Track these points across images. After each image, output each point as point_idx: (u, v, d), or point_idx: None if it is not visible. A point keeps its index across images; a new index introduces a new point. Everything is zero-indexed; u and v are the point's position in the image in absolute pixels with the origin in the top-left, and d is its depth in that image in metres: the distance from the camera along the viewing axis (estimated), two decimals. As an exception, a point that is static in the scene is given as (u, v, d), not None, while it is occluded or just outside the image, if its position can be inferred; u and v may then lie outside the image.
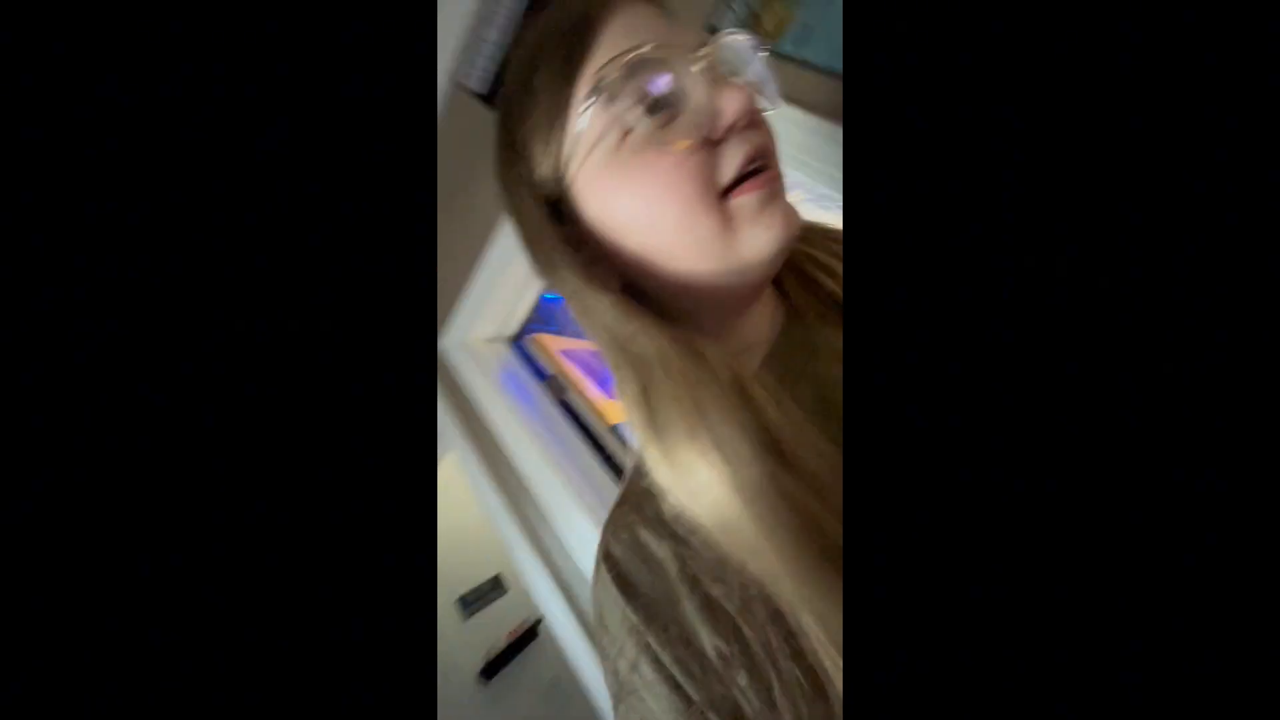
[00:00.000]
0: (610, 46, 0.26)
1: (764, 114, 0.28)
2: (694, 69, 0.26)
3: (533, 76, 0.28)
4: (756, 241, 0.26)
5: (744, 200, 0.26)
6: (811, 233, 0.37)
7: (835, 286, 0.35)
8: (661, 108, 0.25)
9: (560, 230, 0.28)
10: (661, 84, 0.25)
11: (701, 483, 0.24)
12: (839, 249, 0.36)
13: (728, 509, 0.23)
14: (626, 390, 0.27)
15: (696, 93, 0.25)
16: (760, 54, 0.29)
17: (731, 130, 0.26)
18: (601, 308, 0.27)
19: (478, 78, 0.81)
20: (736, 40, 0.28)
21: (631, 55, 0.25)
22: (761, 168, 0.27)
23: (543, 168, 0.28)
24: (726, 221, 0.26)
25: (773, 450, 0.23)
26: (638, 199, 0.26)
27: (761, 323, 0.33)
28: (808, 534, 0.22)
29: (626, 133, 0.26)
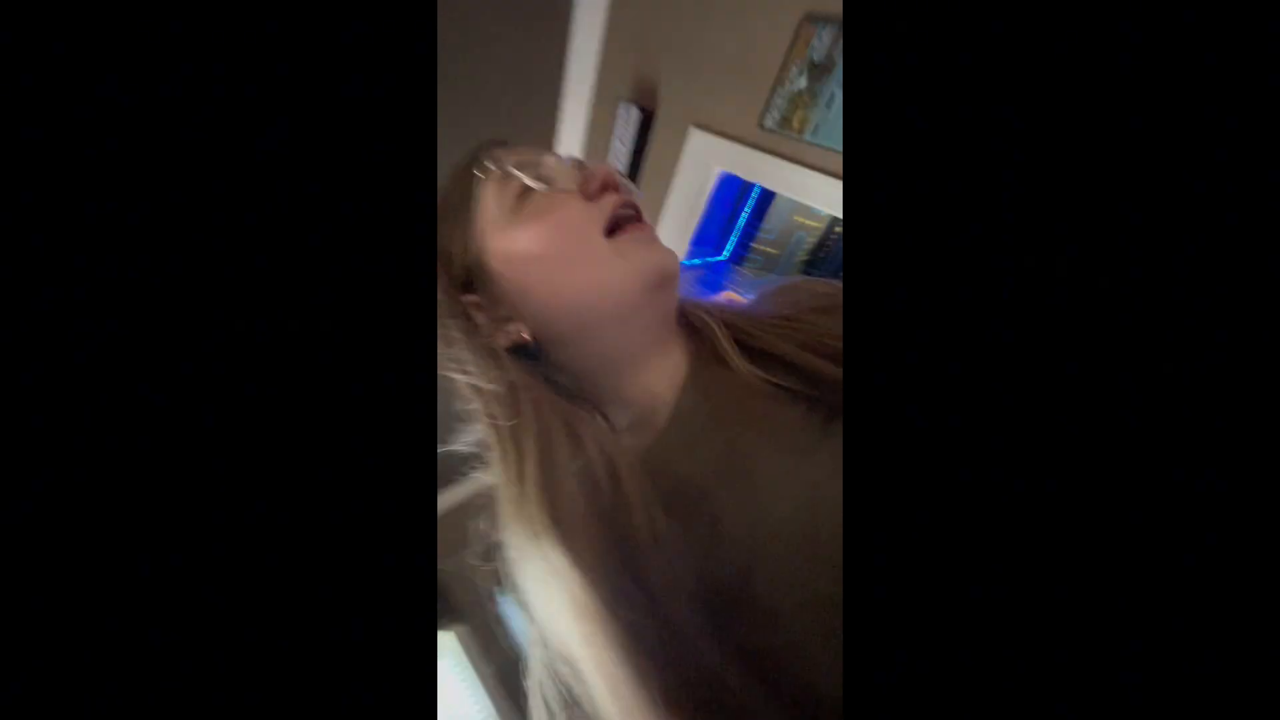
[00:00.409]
0: (502, 156, 0.35)
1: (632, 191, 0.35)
2: (566, 162, 0.35)
3: (447, 190, 0.35)
4: (649, 257, 0.32)
5: (628, 236, 0.32)
6: (743, 316, 0.39)
7: (757, 350, 0.35)
8: (546, 177, 0.33)
9: (468, 297, 0.34)
10: (544, 159, 0.34)
11: (547, 584, 0.27)
12: (781, 327, 0.37)
13: (567, 622, 0.26)
14: (498, 463, 0.30)
15: (571, 166, 0.35)
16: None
17: (603, 190, 0.33)
18: (496, 363, 0.32)
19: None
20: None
21: (518, 149, 0.35)
22: (637, 217, 0.33)
23: (455, 243, 0.34)
24: (617, 248, 0.31)
25: (626, 563, 0.26)
26: (540, 234, 0.32)
27: (663, 383, 0.34)
28: (643, 677, 0.23)
29: (521, 196, 0.33)
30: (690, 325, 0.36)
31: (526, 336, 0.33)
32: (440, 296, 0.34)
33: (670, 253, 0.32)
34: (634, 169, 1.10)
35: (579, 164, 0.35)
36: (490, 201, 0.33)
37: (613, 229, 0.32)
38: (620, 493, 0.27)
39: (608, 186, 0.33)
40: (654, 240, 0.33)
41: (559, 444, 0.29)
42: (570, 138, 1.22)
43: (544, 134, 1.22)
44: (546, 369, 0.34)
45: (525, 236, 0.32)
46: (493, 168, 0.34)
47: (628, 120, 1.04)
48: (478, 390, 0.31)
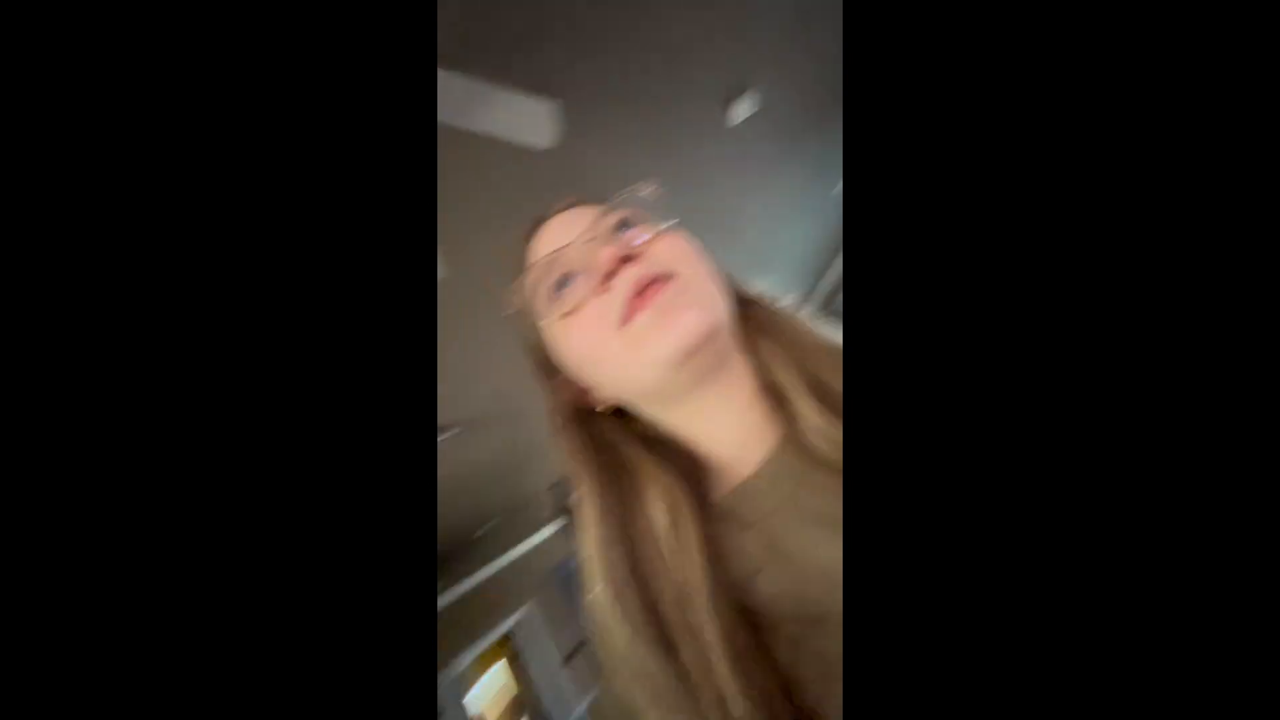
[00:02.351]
0: (543, 249, 0.38)
1: (649, 245, 0.36)
2: (584, 242, 0.36)
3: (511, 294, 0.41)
4: (660, 348, 0.33)
5: (640, 319, 0.33)
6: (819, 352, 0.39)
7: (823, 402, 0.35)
8: (562, 286, 0.37)
9: (559, 376, 0.40)
10: (558, 276, 0.37)
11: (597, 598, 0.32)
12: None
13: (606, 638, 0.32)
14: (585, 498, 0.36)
15: (580, 263, 0.36)
16: (647, 192, 0.39)
17: (613, 274, 0.34)
18: (581, 427, 0.39)
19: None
20: (624, 197, 0.39)
21: (538, 262, 0.37)
22: (652, 281, 0.34)
23: (534, 332, 0.40)
24: (632, 341, 0.34)
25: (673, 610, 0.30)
26: (570, 343, 0.37)
27: (746, 446, 0.37)
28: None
29: (553, 290, 0.36)
30: (776, 392, 0.37)
31: (612, 403, 0.38)
32: (538, 371, 0.41)
33: (687, 323, 0.33)
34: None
35: (595, 236, 0.36)
36: (535, 300, 0.38)
37: (629, 314, 0.34)
38: (681, 542, 0.32)
39: (612, 272, 0.34)
40: (669, 314, 0.33)
41: (621, 506, 0.35)
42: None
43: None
44: (645, 419, 0.39)
45: (563, 343, 0.37)
46: (527, 270, 0.38)
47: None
48: (570, 454, 0.38)
